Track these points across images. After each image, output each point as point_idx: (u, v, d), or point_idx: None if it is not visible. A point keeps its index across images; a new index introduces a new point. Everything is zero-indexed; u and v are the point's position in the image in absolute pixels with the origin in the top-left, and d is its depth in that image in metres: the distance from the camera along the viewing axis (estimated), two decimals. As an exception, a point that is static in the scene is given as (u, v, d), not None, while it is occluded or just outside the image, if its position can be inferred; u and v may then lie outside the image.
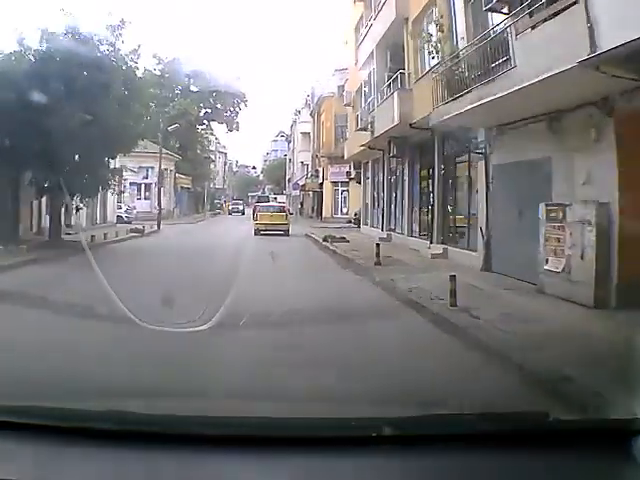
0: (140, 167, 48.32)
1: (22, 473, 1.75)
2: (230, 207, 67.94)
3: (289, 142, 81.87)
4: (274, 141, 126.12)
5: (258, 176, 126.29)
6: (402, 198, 20.62)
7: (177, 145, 54.31)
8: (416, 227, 19.21)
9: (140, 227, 27.12)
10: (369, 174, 27.33)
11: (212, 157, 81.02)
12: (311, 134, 54.66)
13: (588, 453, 1.80)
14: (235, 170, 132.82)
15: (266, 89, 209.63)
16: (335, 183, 44.49)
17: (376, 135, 20.51)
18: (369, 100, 23.04)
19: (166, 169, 46.35)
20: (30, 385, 3.84)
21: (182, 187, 52.96)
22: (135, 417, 2.04)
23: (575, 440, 1.86)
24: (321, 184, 47.46)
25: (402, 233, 20.31)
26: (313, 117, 53.68)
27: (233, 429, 1.94)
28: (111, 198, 32.13)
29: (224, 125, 58.23)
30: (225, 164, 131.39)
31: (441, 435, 1.89)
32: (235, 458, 1.82)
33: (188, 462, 1.79)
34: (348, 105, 29.32)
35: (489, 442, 1.85)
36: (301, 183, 53.34)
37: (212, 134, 76.79)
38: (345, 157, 30.59)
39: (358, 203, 38.94)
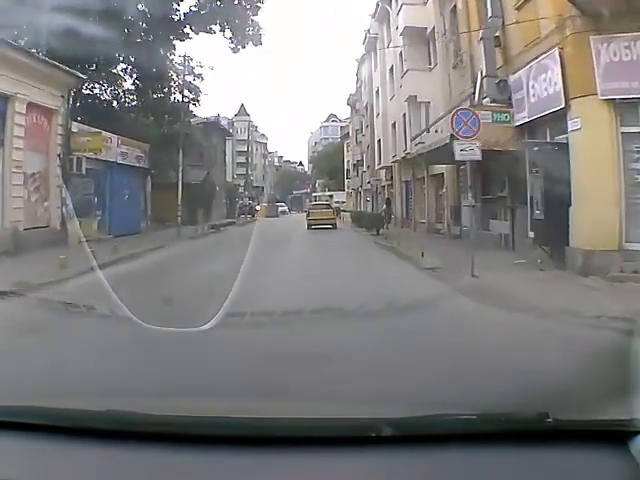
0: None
1: (22, 473, 1.75)
2: None
3: (353, 106, 53.06)
4: (323, 127, 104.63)
5: (305, 172, 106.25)
6: None
7: (134, 80, 24.78)
8: None
9: None
10: None
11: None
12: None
13: (588, 453, 1.78)
14: (278, 165, 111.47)
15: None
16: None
17: None
18: None
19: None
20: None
21: (93, 160, 19.32)
22: (135, 417, 2.01)
23: (575, 440, 1.83)
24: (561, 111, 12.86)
25: None
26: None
27: (233, 429, 1.92)
28: None
29: (228, 33, 27.07)
30: (264, 157, 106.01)
31: (441, 435, 1.86)
32: (235, 458, 1.80)
33: (188, 462, 1.78)
34: None
35: (489, 442, 1.83)
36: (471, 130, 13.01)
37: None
38: None
39: None
